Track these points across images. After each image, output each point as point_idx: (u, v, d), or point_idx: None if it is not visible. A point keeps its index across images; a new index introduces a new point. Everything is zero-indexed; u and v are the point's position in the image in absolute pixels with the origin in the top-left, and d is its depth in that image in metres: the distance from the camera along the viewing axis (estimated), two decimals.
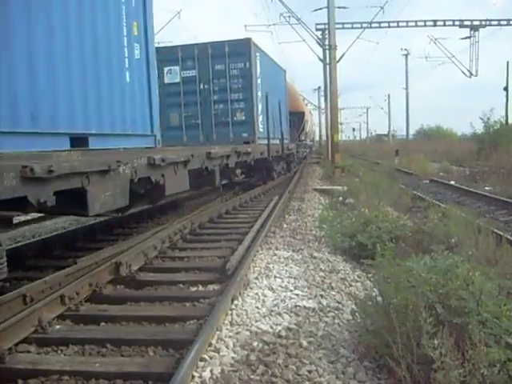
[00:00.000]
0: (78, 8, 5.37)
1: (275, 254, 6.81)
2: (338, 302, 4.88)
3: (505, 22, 26.84)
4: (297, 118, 22.94)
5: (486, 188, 15.21)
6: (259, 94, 13.99)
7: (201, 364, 3.48)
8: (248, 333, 4.05)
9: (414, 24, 27.25)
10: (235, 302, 4.76)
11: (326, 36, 23.32)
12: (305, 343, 3.84)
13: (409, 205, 11.70)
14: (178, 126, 13.43)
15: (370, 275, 5.77)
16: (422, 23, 27.19)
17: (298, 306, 4.71)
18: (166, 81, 13.39)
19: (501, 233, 6.83)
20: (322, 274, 5.93)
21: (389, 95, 72.19)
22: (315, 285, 5.45)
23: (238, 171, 12.47)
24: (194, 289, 5.40)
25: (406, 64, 53.51)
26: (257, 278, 5.64)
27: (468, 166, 22.65)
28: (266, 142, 14.09)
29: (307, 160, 33.15)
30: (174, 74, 13.42)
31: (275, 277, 5.70)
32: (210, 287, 5.42)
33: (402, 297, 3.50)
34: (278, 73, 18.12)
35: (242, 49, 13.22)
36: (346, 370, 3.44)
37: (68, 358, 3.73)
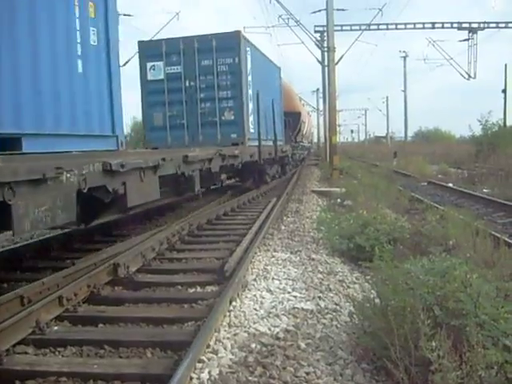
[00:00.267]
0: None
1: (273, 256, 6.81)
2: (336, 304, 4.88)
3: (503, 25, 26.90)
4: (292, 119, 21.77)
5: (484, 190, 15.23)
6: (250, 91, 13.02)
7: (199, 365, 3.48)
8: (246, 334, 4.05)
9: (412, 26, 27.27)
10: (233, 303, 4.76)
11: (325, 38, 23.35)
12: (303, 345, 3.84)
13: (407, 207, 11.71)
14: (162, 126, 12.53)
15: (368, 277, 5.78)
16: (421, 25, 27.22)
17: (296, 307, 4.71)
18: (149, 77, 12.53)
19: (498, 235, 6.84)
20: (320, 275, 5.93)
21: (387, 97, 72.45)
22: (313, 287, 5.45)
23: (224, 176, 11.19)
24: (192, 290, 5.39)
25: (405, 66, 53.71)
26: (255, 280, 5.64)
27: (466, 168, 22.68)
28: (257, 143, 13.22)
29: (305, 162, 33.14)
30: (157, 71, 12.45)
31: (273, 278, 5.70)
32: (208, 289, 5.42)
33: (399, 299, 3.50)
34: (272, 70, 17.01)
35: (230, 43, 12.21)
36: (344, 372, 3.45)
37: (66, 359, 3.72)
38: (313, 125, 47.16)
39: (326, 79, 23.51)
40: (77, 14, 5.34)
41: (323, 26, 24.84)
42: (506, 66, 33.93)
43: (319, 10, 26.78)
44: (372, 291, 4.59)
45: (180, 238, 7.67)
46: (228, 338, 3.97)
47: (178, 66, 12.38)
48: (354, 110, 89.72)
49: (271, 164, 15.99)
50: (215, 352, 3.71)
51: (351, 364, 3.56)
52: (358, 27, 25.85)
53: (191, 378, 3.31)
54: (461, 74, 28.93)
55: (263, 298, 5.01)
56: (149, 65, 12.46)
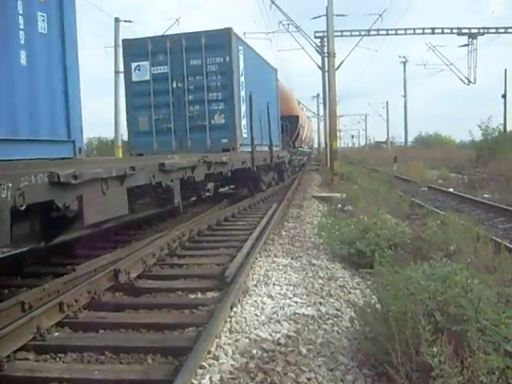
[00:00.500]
0: None
1: (274, 262, 6.81)
2: (337, 310, 4.87)
3: (503, 30, 26.95)
4: (290, 123, 20.59)
5: (485, 195, 15.23)
6: (242, 93, 12.13)
7: (200, 371, 3.47)
8: (247, 340, 4.04)
9: (412, 32, 27.34)
10: (234, 309, 4.75)
11: (325, 43, 23.44)
12: (304, 351, 3.84)
13: (407, 212, 11.71)
14: (147, 131, 11.65)
15: (368, 282, 5.77)
16: (421, 31, 27.29)
17: (297, 313, 4.70)
18: (134, 79, 11.66)
19: (499, 240, 6.82)
20: (320, 281, 5.93)
21: (387, 102, 72.49)
22: (314, 292, 5.45)
23: (211, 185, 10.13)
24: (192, 296, 5.39)
25: (405, 71, 53.73)
26: (256, 286, 5.63)
27: (467, 173, 22.70)
28: (250, 149, 12.35)
29: (306, 168, 33.13)
30: (142, 71, 11.56)
31: (274, 284, 5.70)
32: (209, 294, 5.41)
33: (400, 304, 3.50)
34: (267, 71, 15.92)
35: (220, 40, 11.32)
36: (345, 378, 3.44)
37: (67, 365, 3.71)
38: (313, 130, 47.08)
39: (327, 85, 23.59)
40: None
41: (323, 31, 24.93)
42: (505, 71, 34.07)
43: (319, 16, 26.86)
44: (373, 296, 4.58)
45: (180, 244, 7.67)
46: (229, 344, 3.96)
47: (165, 66, 11.53)
48: (354, 115, 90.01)
49: (267, 171, 15.14)
50: (216, 358, 3.70)
51: (352, 369, 3.55)
52: (358, 33, 25.92)
53: None
54: (461, 80, 29.03)
55: (264, 303, 5.00)
56: (133, 65, 11.66)
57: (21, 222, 4.34)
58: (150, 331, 4.38)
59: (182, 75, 11.43)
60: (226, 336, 4.14)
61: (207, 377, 3.40)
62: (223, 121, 11.48)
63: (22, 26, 4.53)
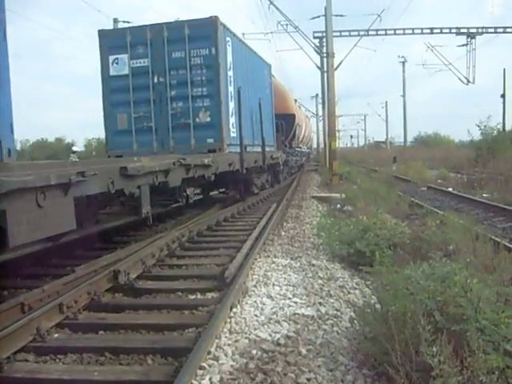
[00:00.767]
0: None
1: (274, 262, 6.81)
2: (337, 310, 4.87)
3: (501, 30, 27.02)
4: (286, 122, 19.47)
5: (484, 195, 15.24)
6: (231, 89, 11.13)
7: (200, 372, 3.47)
8: (247, 341, 4.05)
9: (411, 32, 27.41)
10: (234, 309, 4.76)
11: (324, 44, 23.47)
12: (304, 351, 3.84)
13: (407, 212, 11.71)
14: (126, 129, 10.71)
15: (368, 282, 5.77)
16: (419, 31, 27.36)
17: (297, 313, 4.71)
18: (112, 73, 10.68)
19: (498, 239, 6.83)
20: (320, 281, 5.93)
21: (386, 102, 72.60)
22: (314, 292, 5.45)
23: (191, 190, 9.10)
24: (192, 297, 5.39)
25: (404, 71, 53.85)
26: (255, 286, 5.64)
27: (466, 172, 22.71)
28: (239, 149, 11.38)
29: (304, 168, 33.11)
30: (121, 65, 10.60)
31: (274, 284, 5.70)
32: (209, 295, 5.42)
33: (400, 304, 3.50)
34: (260, 66, 14.73)
35: (206, 31, 10.33)
36: (345, 378, 3.44)
37: (66, 366, 3.72)
38: (313, 130, 47.00)
39: (325, 85, 23.66)
40: None
41: (322, 31, 25.01)
42: (504, 70, 34.19)
43: (318, 16, 27.00)
44: (372, 297, 4.59)
45: (180, 245, 7.67)
46: (229, 345, 3.97)
47: (145, 59, 10.55)
48: (353, 115, 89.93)
49: (259, 173, 14.10)
50: (216, 358, 3.71)
51: (352, 370, 3.56)
52: (356, 33, 25.96)
53: None
54: (460, 79, 29.08)
55: (264, 304, 5.01)
56: (111, 58, 10.67)
57: None
58: (150, 332, 4.38)
59: (164, 69, 10.50)
60: (225, 337, 4.14)
61: (207, 377, 3.40)
62: (209, 119, 10.51)
63: None
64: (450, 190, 17.33)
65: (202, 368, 3.53)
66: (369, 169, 31.11)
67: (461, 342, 3.05)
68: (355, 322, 4.05)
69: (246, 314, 4.68)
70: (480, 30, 27.27)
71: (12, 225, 3.65)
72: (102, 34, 10.93)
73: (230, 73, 11.13)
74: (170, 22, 10.76)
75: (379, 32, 26.64)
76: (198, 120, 10.49)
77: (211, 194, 13.32)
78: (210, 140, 10.48)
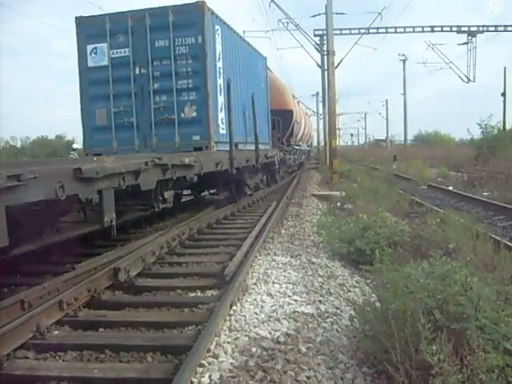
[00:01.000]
0: None
1: (273, 260, 6.81)
2: (337, 308, 4.88)
3: (502, 28, 26.97)
4: (283, 118, 18.32)
5: (484, 193, 15.23)
6: (219, 81, 10.18)
7: (199, 370, 3.48)
8: (247, 339, 4.05)
9: (411, 30, 27.37)
10: (234, 307, 4.76)
11: (324, 42, 23.46)
12: (303, 349, 3.84)
13: (407, 210, 11.71)
14: (106, 126, 9.81)
15: (368, 281, 5.76)
16: (420, 29, 27.32)
17: (297, 311, 4.71)
18: (90, 64, 9.80)
19: (499, 238, 6.83)
20: (320, 279, 5.93)
21: (387, 101, 72.37)
22: (314, 290, 5.45)
23: (170, 194, 7.76)
24: (192, 294, 5.40)
25: (404, 70, 53.71)
26: (255, 284, 5.64)
27: (466, 171, 22.68)
28: (228, 147, 10.44)
29: (305, 167, 33.09)
30: (99, 55, 9.74)
31: (273, 282, 5.70)
32: (209, 293, 5.42)
33: (400, 302, 3.50)
34: (254, 58, 13.68)
35: (191, 17, 9.42)
36: (345, 376, 3.44)
37: (66, 363, 3.72)
38: (313, 128, 46.95)
39: (326, 83, 23.64)
40: None
41: (323, 29, 25.00)
42: (505, 69, 34.06)
43: (319, 14, 26.93)
44: (372, 295, 4.59)
45: (180, 242, 7.68)
46: (229, 342, 3.97)
47: (126, 49, 9.66)
48: (353, 113, 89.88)
49: (253, 172, 13.17)
50: (216, 356, 3.71)
51: (352, 368, 3.56)
52: (357, 31, 25.97)
53: (192, 383, 3.31)
54: (460, 78, 29.09)
55: (264, 301, 5.01)
56: (89, 47, 9.79)
57: None
58: (150, 329, 4.38)
59: (146, 59, 9.58)
60: (225, 334, 4.14)
61: (207, 375, 3.40)
62: (195, 114, 9.56)
63: None
64: (451, 188, 17.32)
65: (201, 366, 3.53)
66: (369, 167, 31.10)
67: (461, 341, 3.05)
68: (355, 320, 4.05)
69: (246, 312, 4.68)
70: (481, 29, 27.25)
71: None
72: (80, 21, 9.96)
73: (220, 64, 10.23)
74: (153, 8, 9.77)
75: (380, 30, 26.66)
76: (183, 115, 9.60)
77: (203, 194, 12.86)
78: (196, 137, 9.60)
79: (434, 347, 2.89)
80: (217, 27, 10.13)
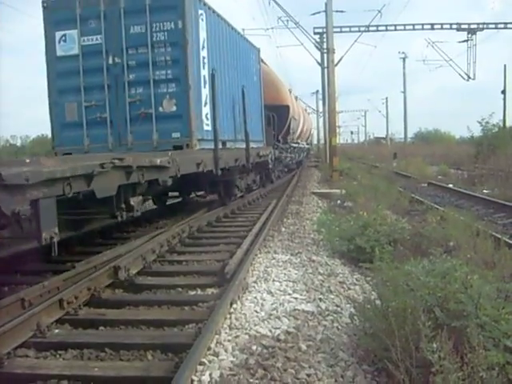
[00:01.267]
0: None
1: (274, 258, 6.81)
2: (337, 306, 4.88)
3: (502, 26, 26.99)
4: (278, 114, 16.99)
5: (484, 191, 15.23)
6: (204, 72, 9.14)
7: (200, 368, 3.47)
8: (247, 336, 4.05)
9: (411, 27, 27.36)
10: (234, 305, 4.76)
11: (324, 39, 23.41)
12: (304, 347, 3.84)
13: (407, 208, 11.72)
14: (76, 122, 8.78)
15: (368, 278, 5.78)
16: (420, 27, 27.31)
17: (297, 309, 4.71)
18: (59, 53, 8.79)
19: (499, 236, 6.84)
20: (320, 277, 5.93)
21: (387, 98, 72.47)
22: (314, 288, 5.45)
23: (137, 200, 6.71)
24: (192, 293, 5.40)
25: (404, 67, 53.70)
26: (255, 282, 5.64)
27: (466, 169, 22.70)
28: (213, 145, 9.31)
29: (304, 165, 33.07)
30: (69, 43, 8.74)
31: (274, 280, 5.70)
32: (209, 291, 5.43)
33: (400, 300, 3.50)
34: (245, 49, 12.49)
35: (170, 0, 8.42)
36: (345, 374, 3.44)
37: (67, 362, 3.72)
38: (313, 126, 46.84)
39: (326, 81, 23.60)
40: None
41: (322, 27, 24.96)
42: (505, 66, 34.10)
43: (318, 12, 26.90)
44: (373, 292, 4.59)
45: (180, 241, 7.68)
46: (229, 341, 3.97)
47: (98, 36, 8.64)
48: (353, 111, 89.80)
49: (243, 173, 12.16)
50: (216, 354, 3.71)
51: (352, 365, 3.56)
52: (357, 29, 25.96)
53: (192, 381, 3.31)
54: (460, 75, 29.08)
55: (264, 299, 5.01)
56: (58, 35, 8.79)
57: None
58: (150, 328, 4.38)
59: (121, 47, 8.55)
60: (225, 332, 4.14)
61: (207, 373, 3.40)
62: (174, 108, 8.57)
63: None
64: (451, 186, 17.32)
65: (202, 364, 3.53)
66: (369, 165, 31.09)
67: (461, 338, 3.05)
68: (355, 317, 4.05)
69: (246, 310, 4.68)
70: (481, 26, 27.24)
71: None
72: (47, 5, 8.94)
73: (204, 53, 9.18)
74: None
75: (380, 28, 26.65)
76: (161, 109, 8.58)
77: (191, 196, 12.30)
78: (176, 134, 8.56)
79: (435, 345, 2.89)
80: (200, 12, 9.09)
